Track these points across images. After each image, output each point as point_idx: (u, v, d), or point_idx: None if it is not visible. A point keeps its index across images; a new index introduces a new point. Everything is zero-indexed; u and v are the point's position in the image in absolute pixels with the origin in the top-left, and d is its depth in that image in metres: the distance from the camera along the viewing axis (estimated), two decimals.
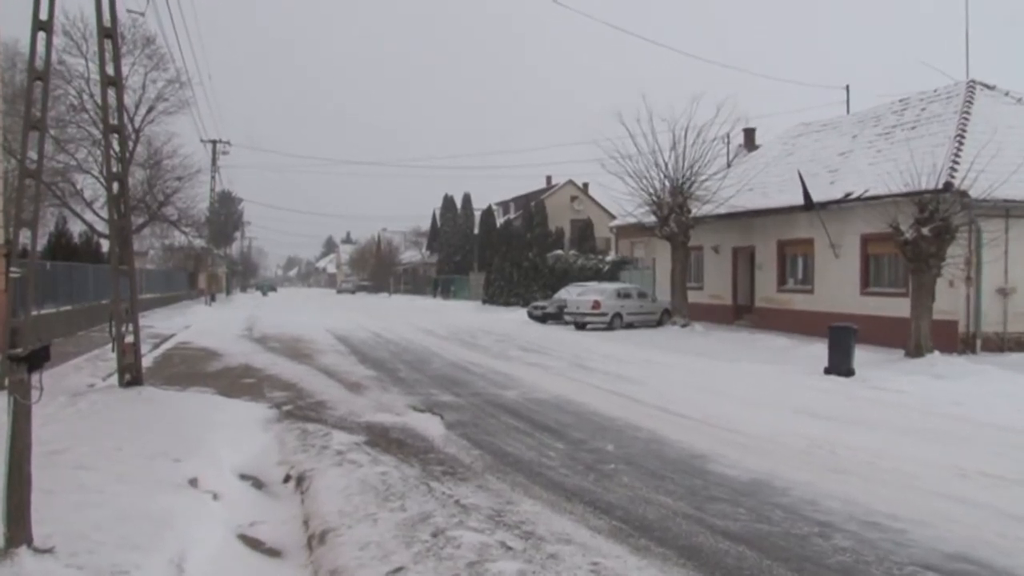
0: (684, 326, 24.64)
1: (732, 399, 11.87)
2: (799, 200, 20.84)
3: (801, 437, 9.03)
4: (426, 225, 78.82)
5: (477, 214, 65.33)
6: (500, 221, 62.55)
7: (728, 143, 29.01)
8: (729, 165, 28.51)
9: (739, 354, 17.85)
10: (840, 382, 13.72)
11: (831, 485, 7.01)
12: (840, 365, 14.40)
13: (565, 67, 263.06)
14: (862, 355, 15.09)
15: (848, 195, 19.98)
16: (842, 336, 14.50)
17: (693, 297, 26.30)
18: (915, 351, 15.95)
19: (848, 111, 35.25)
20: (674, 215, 25.10)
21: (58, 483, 5.98)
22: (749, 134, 35.84)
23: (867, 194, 19.21)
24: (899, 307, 17.89)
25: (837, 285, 20.97)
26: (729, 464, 7.78)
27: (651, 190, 25.49)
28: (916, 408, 11.23)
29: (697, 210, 25.19)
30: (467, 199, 66.77)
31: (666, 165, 25.20)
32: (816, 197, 20.54)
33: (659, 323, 26.52)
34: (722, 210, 24.27)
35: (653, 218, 26.13)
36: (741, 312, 25.86)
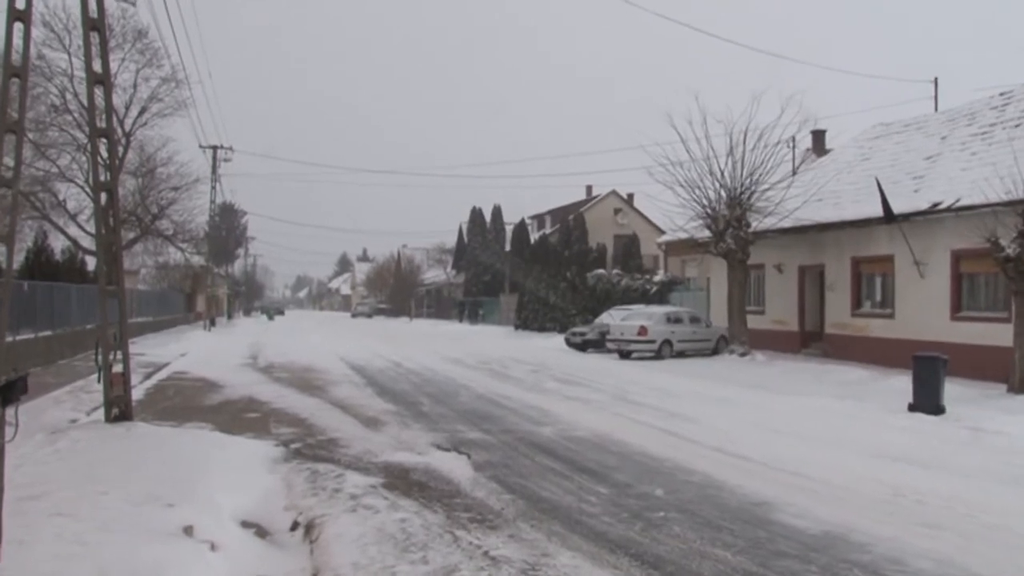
0: (743, 355, 24.43)
1: (799, 439, 11.71)
2: (877, 211, 20.61)
3: (882, 484, 8.85)
4: (451, 241, 79.33)
5: (508, 229, 65.52)
6: (534, 236, 62.64)
7: (794, 147, 28.87)
8: (795, 172, 28.33)
9: (807, 387, 17.63)
10: (928, 421, 13.43)
11: (920, 541, 6.84)
12: (927, 401, 14.10)
13: (607, 64, 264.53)
14: (953, 390, 14.78)
15: (936, 205, 19.70)
16: (929, 367, 14.20)
17: (753, 322, 26.08)
18: (1019, 386, 15.59)
19: (936, 108, 34.87)
20: (731, 229, 24.95)
21: (32, 533, 6.02)
22: (818, 137, 35.55)
23: (959, 204, 18.92)
24: (998, 334, 17.52)
25: (922, 309, 20.65)
26: (797, 514, 7.64)
27: (705, 201, 25.39)
28: (1022, 452, 10.95)
29: (758, 223, 25.02)
30: (497, 212, 67.08)
31: (722, 173, 25.11)
32: (897, 208, 20.29)
33: (714, 352, 26.38)
34: (787, 223, 24.08)
35: (707, 233, 26.00)
36: (809, 339, 25.60)
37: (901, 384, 15.85)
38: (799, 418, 13.77)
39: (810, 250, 25.22)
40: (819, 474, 9.30)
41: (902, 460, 10.24)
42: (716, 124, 24.99)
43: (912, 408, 14.21)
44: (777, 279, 26.90)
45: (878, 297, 23.00)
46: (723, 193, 25.23)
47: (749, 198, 24.87)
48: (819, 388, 17.50)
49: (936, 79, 38.08)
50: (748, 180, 24.74)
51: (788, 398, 16.18)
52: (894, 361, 19.43)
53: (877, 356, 21.36)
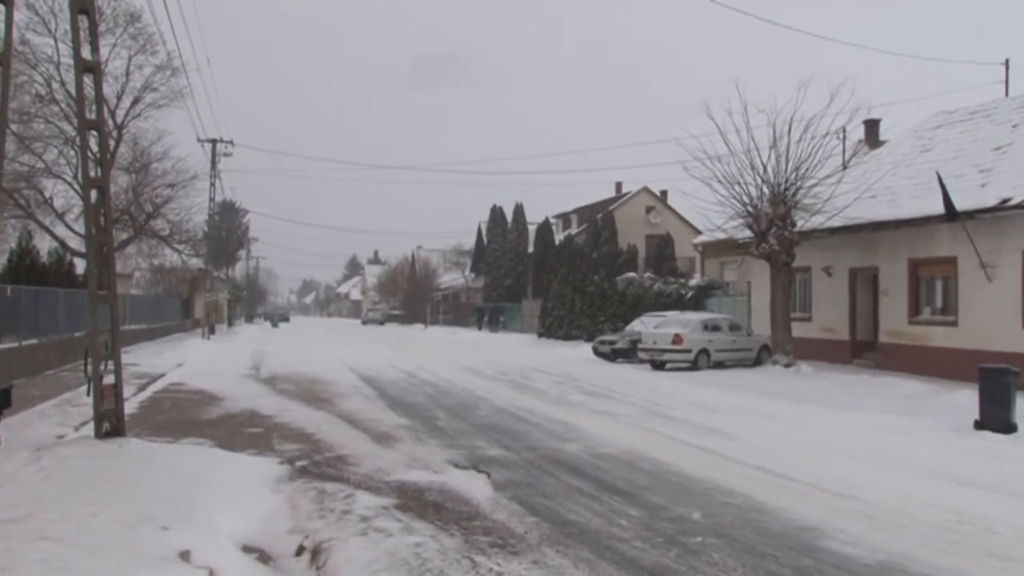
0: (788, 366, 24.30)
1: (850, 458, 11.63)
2: (938, 208, 20.47)
3: (944, 509, 8.75)
4: (469, 242, 79.53)
5: (531, 229, 65.53)
6: (560, 237, 62.62)
7: (844, 139, 28.65)
8: (845, 166, 28.11)
9: (858, 402, 17.51)
10: (996, 440, 13.27)
11: (989, 575, 6.74)
12: (996, 418, 13.91)
13: (637, 49, 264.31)
14: None
15: (1006, 201, 19.52)
16: (998, 381, 14.02)
17: (799, 330, 25.93)
18: None
19: (1007, 92, 34.42)
20: (775, 229, 24.81)
21: (15, 559, 6.05)
22: (871, 127, 35.24)
23: None
24: None
25: (990, 316, 20.47)
26: (849, 540, 7.56)
27: (746, 198, 25.27)
28: None
29: (804, 222, 24.87)
30: (519, 211, 67.10)
31: (764, 167, 24.98)
32: (961, 204, 20.13)
33: (756, 362, 26.32)
34: (836, 222, 23.93)
35: (748, 233, 25.91)
36: (860, 349, 25.45)
37: (966, 399, 15.71)
38: (850, 435, 13.66)
39: (862, 251, 25.06)
40: (873, 497, 9.21)
41: (968, 483, 10.11)
42: (758, 114, 24.88)
43: (979, 426, 14.04)
44: (825, 283, 26.75)
45: (939, 303, 22.81)
46: (766, 189, 25.10)
47: (794, 195, 24.71)
48: (873, 402, 17.35)
49: (1007, 61, 37.31)
50: (793, 175, 24.59)
51: (838, 413, 16.08)
52: (957, 374, 19.24)
53: (938, 368, 21.16)
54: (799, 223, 25.00)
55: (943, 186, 20.08)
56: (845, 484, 9.82)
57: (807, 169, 24.50)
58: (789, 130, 24.28)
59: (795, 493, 9.45)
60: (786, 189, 24.76)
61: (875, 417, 15.46)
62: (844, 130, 27.07)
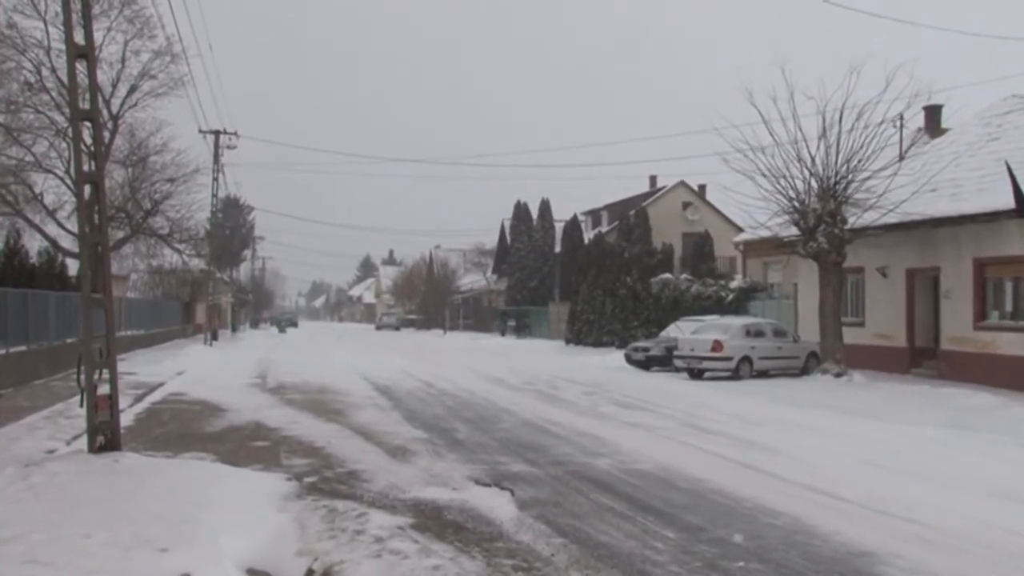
0: (838, 375, 24.19)
1: (909, 476, 11.54)
2: (1008, 203, 20.41)
3: (1013, 533, 8.66)
4: (491, 241, 79.64)
5: (558, 227, 65.62)
6: (589, 235, 62.60)
7: (901, 127, 28.33)
8: (902, 157, 27.84)
9: (917, 415, 17.38)
10: None
11: None
12: None
13: (673, 31, 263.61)
14: None
15: None
16: None
17: (851, 336, 25.81)
18: None
19: None
20: (824, 226, 24.68)
21: None
22: (932, 113, 34.87)
23: None
24: None
25: None
26: (907, 567, 7.50)
27: (792, 193, 25.19)
28: None
29: (856, 219, 24.75)
30: (545, 207, 67.15)
31: (812, 159, 24.88)
32: None
33: (803, 371, 26.31)
34: (892, 218, 23.79)
35: (795, 230, 25.83)
36: (920, 357, 25.36)
37: None
38: (908, 452, 13.56)
39: (921, 250, 24.95)
40: (934, 520, 9.12)
41: None
42: (806, 101, 24.78)
43: None
44: (880, 285, 26.65)
45: (1008, 306, 22.72)
46: (814, 183, 24.99)
47: (845, 188, 24.59)
48: (933, 416, 17.20)
49: None
50: (845, 167, 24.46)
51: (894, 427, 15.99)
52: None
53: (1008, 378, 21.07)
54: (851, 220, 24.87)
55: (1013, 178, 19.94)
56: (903, 505, 9.73)
57: (860, 161, 24.37)
58: (840, 118, 24.19)
59: (847, 514, 9.38)
60: (836, 183, 24.62)
61: (936, 432, 15.34)
62: (901, 117, 26.79)
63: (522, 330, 61.07)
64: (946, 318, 24.25)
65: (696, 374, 26.37)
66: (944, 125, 34.02)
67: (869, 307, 27.33)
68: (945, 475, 11.68)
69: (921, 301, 25.63)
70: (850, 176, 24.50)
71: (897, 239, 25.23)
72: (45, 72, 30.59)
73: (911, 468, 12.13)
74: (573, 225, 62.91)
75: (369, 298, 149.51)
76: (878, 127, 24.39)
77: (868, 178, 24.37)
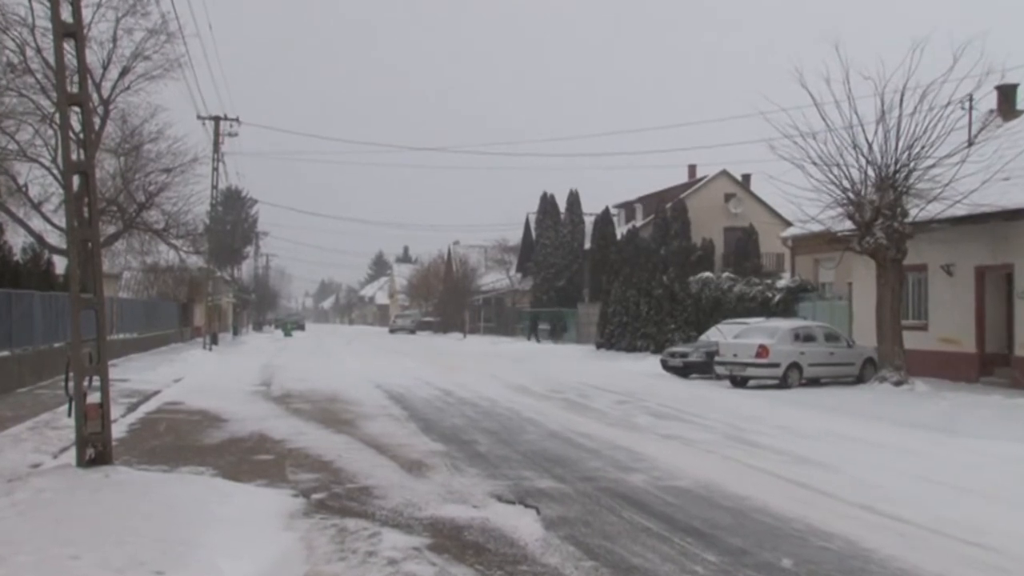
0: (898, 384, 24.04)
1: (976, 496, 11.47)
2: None
3: None
4: (515, 237, 79.75)
5: (588, 221, 65.61)
6: (622, 230, 62.56)
7: (971, 108, 28.11)
8: (971, 142, 27.61)
9: (987, 428, 17.25)
10: None
11: None
12: None
13: (715, 12, 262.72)
14: None
15: None
16: None
17: (912, 341, 25.69)
18: None
19: None
20: (882, 219, 24.53)
21: None
22: (1006, 94, 34.54)
23: None
24: None
25: None
26: None
27: (846, 183, 25.06)
28: None
29: (918, 211, 24.60)
30: (574, 199, 67.16)
31: (870, 145, 24.74)
32: None
33: (859, 379, 26.17)
34: (959, 210, 23.62)
35: (849, 224, 25.70)
36: (991, 364, 25.24)
37: None
38: (976, 469, 13.46)
39: (992, 246, 24.85)
40: (1005, 545, 9.06)
41: None
42: (863, 82, 24.61)
43: None
44: (945, 284, 26.55)
45: None
46: (871, 172, 24.85)
47: (907, 178, 24.43)
48: (1005, 429, 17.06)
49: None
50: (906, 154, 24.29)
51: (962, 442, 15.88)
52: None
53: None
54: (912, 212, 24.70)
55: None
56: (970, 528, 9.67)
57: (923, 147, 24.18)
58: (901, 100, 24.05)
59: (907, 537, 9.34)
60: (896, 171, 24.46)
61: (1008, 447, 15.20)
62: (971, 98, 26.63)
63: (558, 334, 60.79)
64: (1020, 321, 24.09)
65: (739, 382, 26.28)
66: (1020, 106, 33.74)
67: (933, 309, 27.21)
68: (1018, 496, 11.60)
69: (992, 302, 25.49)
70: (912, 164, 24.32)
71: (965, 233, 25.10)
72: (29, 52, 30.45)
73: (979, 487, 12.03)
74: (604, 219, 62.85)
75: (382, 299, 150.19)
76: (944, 109, 24.25)
77: (932, 166, 24.18)
